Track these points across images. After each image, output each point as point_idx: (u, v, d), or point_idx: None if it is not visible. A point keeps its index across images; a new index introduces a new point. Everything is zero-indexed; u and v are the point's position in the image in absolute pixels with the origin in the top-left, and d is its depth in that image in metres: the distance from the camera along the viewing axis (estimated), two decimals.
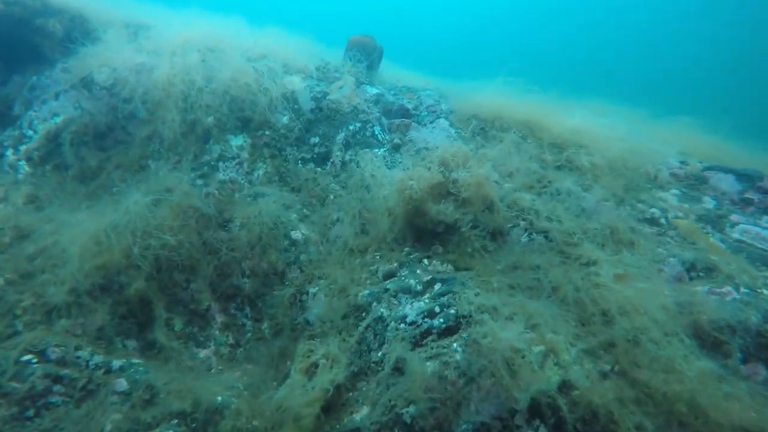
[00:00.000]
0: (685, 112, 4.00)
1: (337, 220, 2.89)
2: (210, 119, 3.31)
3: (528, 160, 2.97)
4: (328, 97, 3.43)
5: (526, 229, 2.49)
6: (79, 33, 3.64)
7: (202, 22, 4.60)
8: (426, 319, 2.08)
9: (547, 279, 2.12)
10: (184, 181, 2.98)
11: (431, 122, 3.40)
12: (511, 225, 2.51)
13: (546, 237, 2.42)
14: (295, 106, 3.44)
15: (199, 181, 3.07)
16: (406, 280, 2.34)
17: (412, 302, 2.22)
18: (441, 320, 2.02)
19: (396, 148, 3.16)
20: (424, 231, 2.61)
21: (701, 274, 2.18)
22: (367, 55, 4.11)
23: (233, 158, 3.23)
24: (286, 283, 2.73)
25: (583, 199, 2.65)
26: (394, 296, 2.29)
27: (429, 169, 2.69)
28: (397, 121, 3.35)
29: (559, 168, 2.92)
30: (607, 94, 4.96)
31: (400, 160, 3.08)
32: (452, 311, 2.03)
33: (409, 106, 3.65)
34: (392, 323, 2.15)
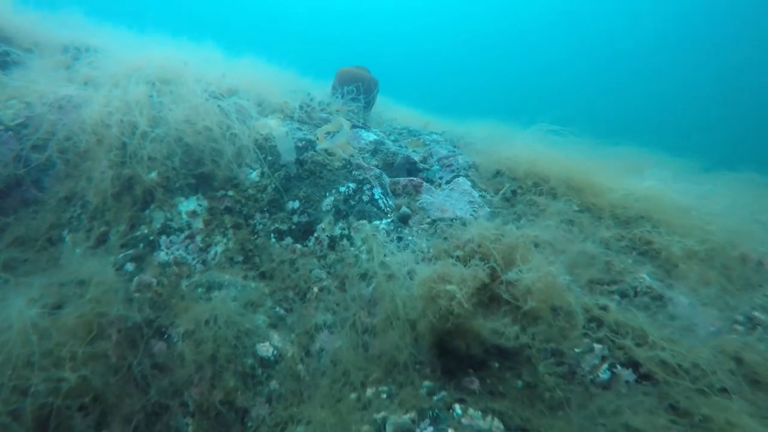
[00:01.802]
0: (739, 163, 3.34)
1: (324, 325, 2.04)
2: (153, 176, 2.46)
3: (582, 239, 2.21)
4: (316, 147, 2.63)
5: (603, 357, 1.68)
6: None
7: (167, 48, 3.83)
8: None
9: None
10: (108, 268, 2.11)
11: (447, 182, 2.62)
12: (579, 350, 1.71)
13: (637, 373, 1.62)
14: (269, 158, 2.63)
15: (131, 266, 2.19)
16: None
17: None
18: None
19: (403, 219, 2.35)
20: (452, 353, 1.78)
21: None
22: (365, 92, 3.36)
23: (182, 230, 2.38)
24: (249, 424, 1.86)
25: (670, 302, 1.88)
26: None
27: (457, 258, 1.89)
28: (402, 181, 2.56)
29: (625, 250, 2.16)
30: (635, 138, 4.32)
31: (410, 237, 2.28)
32: None
33: (416, 158, 2.88)
34: None
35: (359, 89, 3.47)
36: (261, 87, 3.35)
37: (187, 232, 2.38)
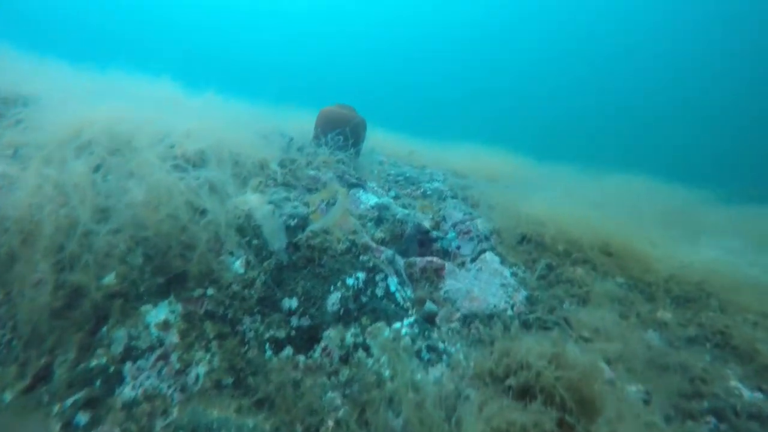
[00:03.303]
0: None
1: None
2: (109, 280, 1.94)
3: (641, 327, 1.87)
4: (311, 226, 2.18)
5: None
6: None
7: (116, 94, 3.28)
8: None
9: None
10: (51, 425, 1.59)
11: (472, 258, 2.22)
12: None
13: None
14: (255, 242, 2.16)
15: (84, 417, 1.67)
16: None
17: None
18: None
19: (429, 318, 1.94)
20: None
21: None
22: (354, 137, 2.93)
23: (152, 349, 1.87)
24: None
25: None
26: None
27: (509, 388, 1.51)
28: (419, 262, 2.15)
29: (696, 342, 1.83)
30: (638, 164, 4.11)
31: (440, 343, 1.86)
32: None
33: (427, 224, 2.47)
34: None
35: (347, 135, 3.03)
36: (233, 139, 2.85)
37: (158, 351, 1.88)
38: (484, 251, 2.20)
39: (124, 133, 2.35)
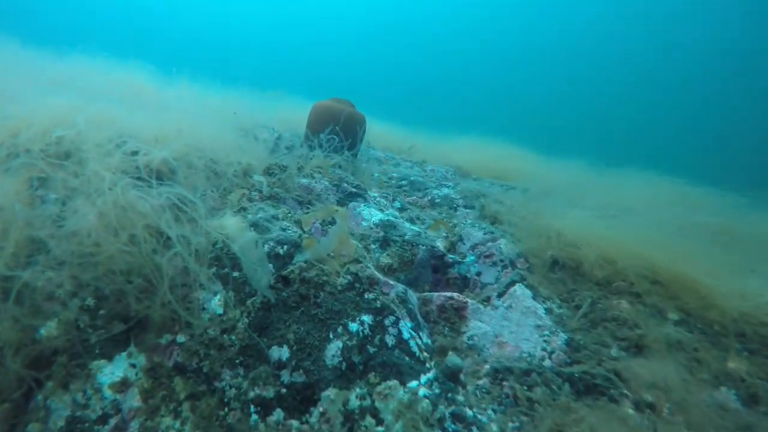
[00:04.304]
0: None
1: None
2: (48, 331, 1.54)
3: (713, 380, 1.54)
4: (304, 255, 1.78)
5: None
6: None
7: (74, 87, 2.83)
8: None
9: None
10: None
11: (499, 293, 1.85)
12: None
13: None
14: (235, 274, 1.76)
15: None
16: None
17: None
18: None
19: (452, 375, 1.57)
20: None
21: None
22: (351, 135, 2.53)
23: (105, 418, 1.49)
24: None
25: None
26: None
27: None
28: (436, 299, 1.77)
29: None
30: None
31: (467, 409, 1.50)
32: None
33: (441, 245, 2.09)
34: None
35: (344, 134, 2.62)
36: (210, 141, 2.42)
37: (114, 421, 1.49)
38: (513, 283, 1.84)
39: (73, 137, 1.91)
